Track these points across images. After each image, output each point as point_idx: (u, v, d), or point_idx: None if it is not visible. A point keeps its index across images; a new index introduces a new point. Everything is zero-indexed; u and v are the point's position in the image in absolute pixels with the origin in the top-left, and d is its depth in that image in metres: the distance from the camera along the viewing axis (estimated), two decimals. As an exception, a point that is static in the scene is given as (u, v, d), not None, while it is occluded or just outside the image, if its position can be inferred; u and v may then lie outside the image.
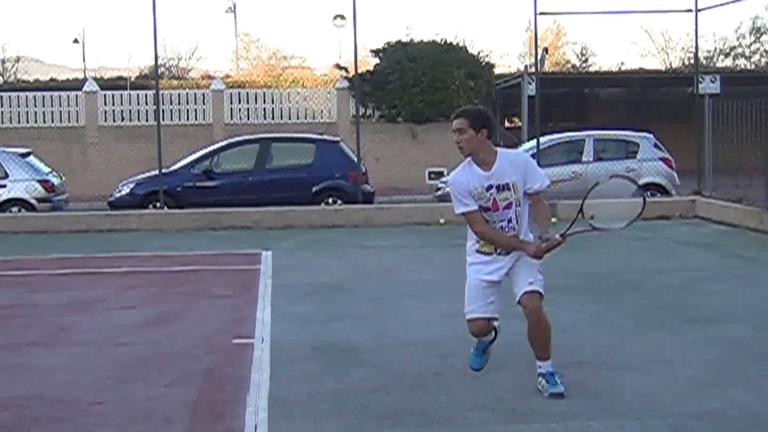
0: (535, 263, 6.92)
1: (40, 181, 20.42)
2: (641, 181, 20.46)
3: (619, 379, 7.29)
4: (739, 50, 43.34)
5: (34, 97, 31.63)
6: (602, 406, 6.40)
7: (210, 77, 38.61)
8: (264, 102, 31.98)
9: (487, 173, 6.79)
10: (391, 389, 6.64)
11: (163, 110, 27.08)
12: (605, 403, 6.58)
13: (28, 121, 31.34)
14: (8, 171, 20.20)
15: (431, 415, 6.27)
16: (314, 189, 19.86)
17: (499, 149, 6.93)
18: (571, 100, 38.12)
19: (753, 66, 42.25)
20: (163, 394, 7.17)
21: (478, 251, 6.94)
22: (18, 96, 31.67)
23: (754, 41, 42.76)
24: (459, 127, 6.80)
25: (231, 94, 32.19)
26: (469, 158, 6.86)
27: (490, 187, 6.79)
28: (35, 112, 31.48)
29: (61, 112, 31.56)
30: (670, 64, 46.65)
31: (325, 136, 21.67)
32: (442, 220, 17.67)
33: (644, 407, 6.56)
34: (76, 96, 31.66)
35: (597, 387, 7.07)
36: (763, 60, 43.03)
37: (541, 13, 20.20)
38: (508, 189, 6.82)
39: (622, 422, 6.12)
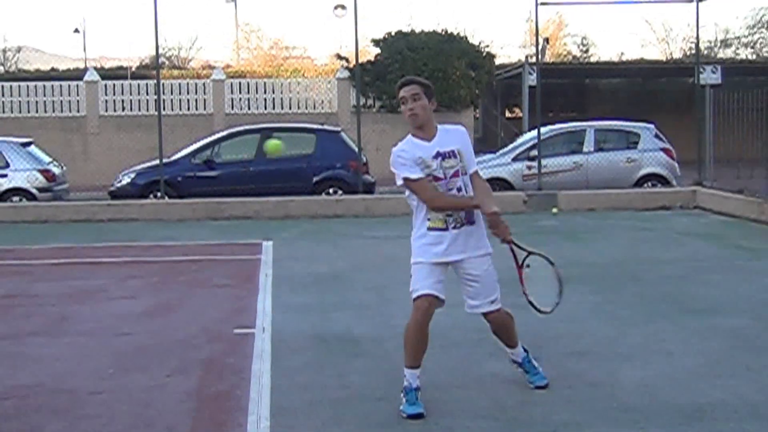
0: (495, 275, 6.67)
1: (41, 171, 20.42)
2: (642, 172, 20.52)
3: (619, 369, 7.29)
4: (745, 39, 43.25)
5: (35, 86, 31.61)
6: (606, 415, 6.32)
7: (211, 67, 38.59)
8: (264, 92, 31.96)
9: (430, 143, 6.57)
10: (394, 397, 6.61)
11: (163, 100, 27.06)
12: (608, 405, 6.54)
13: (29, 111, 31.32)
14: (9, 161, 20.20)
15: (433, 424, 6.24)
16: (315, 179, 19.86)
17: (442, 125, 6.73)
18: (572, 90, 38.15)
19: (755, 56, 42.20)
20: (164, 384, 7.19)
21: (429, 228, 6.59)
22: (19, 86, 31.65)
23: (755, 32, 42.71)
24: (414, 92, 6.55)
25: (231, 84, 32.16)
26: (409, 135, 6.65)
27: (437, 155, 6.53)
28: (36, 102, 31.46)
29: (61, 101, 31.54)
30: (671, 54, 46.62)
31: (325, 126, 21.66)
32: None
33: (645, 400, 6.57)
34: (77, 86, 31.63)
35: (597, 378, 7.08)
36: (765, 50, 42.98)
37: (542, 3, 20.17)
38: (454, 156, 6.56)
39: (627, 433, 6.10)
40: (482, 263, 6.61)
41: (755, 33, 42.67)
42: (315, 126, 21.65)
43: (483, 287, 6.62)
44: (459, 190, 6.57)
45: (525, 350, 6.98)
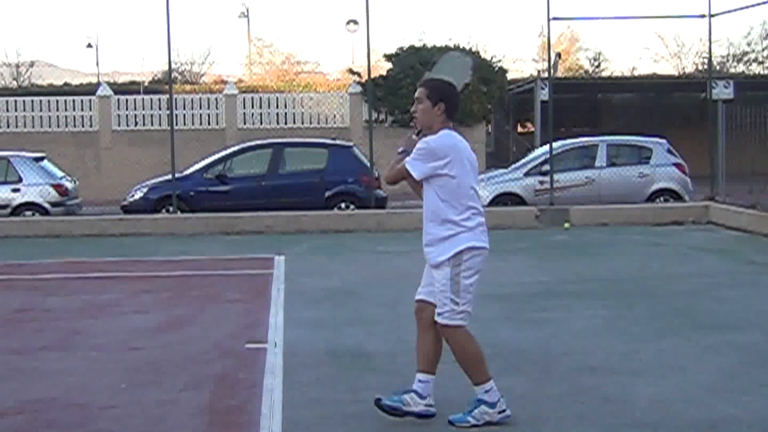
0: (447, 293, 6.40)
1: (53, 186, 20.47)
2: (654, 187, 20.48)
3: (632, 385, 7.27)
4: (752, 55, 43.22)
5: (48, 101, 31.76)
6: (619, 431, 6.33)
7: (223, 82, 38.67)
8: (277, 107, 32.03)
9: None
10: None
11: (176, 115, 27.14)
12: (621, 421, 6.49)
13: (41, 126, 31.45)
14: (22, 175, 20.27)
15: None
16: (327, 194, 19.86)
17: (444, 131, 6.56)
18: (584, 105, 38.13)
19: (767, 71, 42.13)
20: (177, 399, 7.19)
21: None
22: (32, 100, 31.82)
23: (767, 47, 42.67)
24: (418, 95, 6.61)
25: (244, 98, 32.25)
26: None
27: None
28: (49, 117, 31.59)
29: (74, 116, 31.67)
30: (683, 69, 46.56)
31: (337, 141, 21.67)
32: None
33: (658, 415, 6.55)
34: (90, 100, 31.77)
35: (610, 393, 7.06)
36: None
37: (553, 18, 20.17)
38: None
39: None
40: (435, 271, 6.51)
41: (766, 48, 42.62)
42: (327, 141, 21.66)
43: (438, 294, 6.49)
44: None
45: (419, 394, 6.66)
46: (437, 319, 6.47)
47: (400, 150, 6.66)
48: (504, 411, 6.45)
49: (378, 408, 6.54)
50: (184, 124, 30.75)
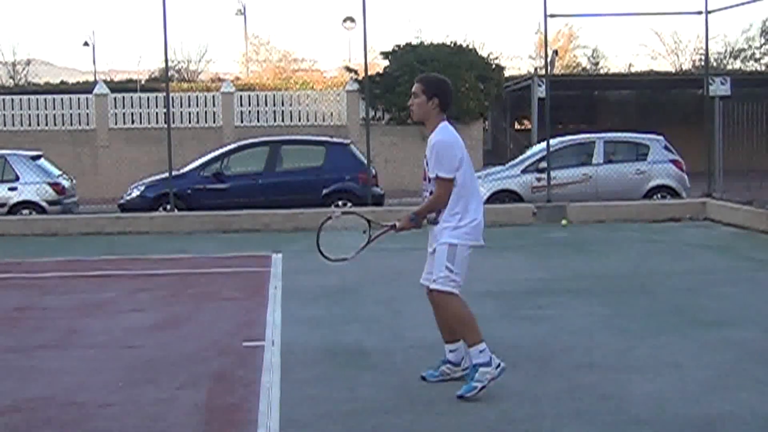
0: (443, 260, 6.96)
1: (50, 184, 20.46)
2: (651, 183, 20.48)
3: (629, 382, 7.28)
4: (749, 52, 43.21)
5: (45, 99, 31.75)
6: (616, 428, 6.23)
7: (220, 80, 38.64)
8: (274, 104, 32.02)
9: (427, 140, 7.16)
10: (404, 411, 6.60)
11: (173, 113, 27.12)
12: (618, 418, 6.50)
13: (38, 124, 31.44)
14: (19, 174, 20.26)
15: (442, 438, 6.28)
16: (324, 191, 19.85)
17: (441, 124, 7.07)
18: (581, 102, 38.16)
19: (763, 68, 42.13)
20: (174, 397, 7.19)
21: None
22: (29, 99, 31.80)
23: (765, 43, 42.65)
24: (414, 90, 7.13)
25: (241, 96, 32.24)
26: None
27: (425, 156, 7.12)
28: (46, 115, 31.58)
29: (71, 114, 31.66)
30: (680, 66, 46.55)
31: (335, 139, 21.65)
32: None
33: (655, 412, 6.56)
34: (87, 99, 31.76)
35: (607, 390, 7.06)
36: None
37: (551, 15, 20.16)
38: (427, 164, 7.08)
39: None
40: (438, 247, 7.03)
41: (765, 44, 42.59)
42: (324, 138, 21.65)
43: (432, 263, 7.09)
44: (431, 193, 7.09)
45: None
46: (432, 285, 6.98)
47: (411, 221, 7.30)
48: (500, 365, 6.88)
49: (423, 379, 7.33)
50: (181, 122, 30.76)
